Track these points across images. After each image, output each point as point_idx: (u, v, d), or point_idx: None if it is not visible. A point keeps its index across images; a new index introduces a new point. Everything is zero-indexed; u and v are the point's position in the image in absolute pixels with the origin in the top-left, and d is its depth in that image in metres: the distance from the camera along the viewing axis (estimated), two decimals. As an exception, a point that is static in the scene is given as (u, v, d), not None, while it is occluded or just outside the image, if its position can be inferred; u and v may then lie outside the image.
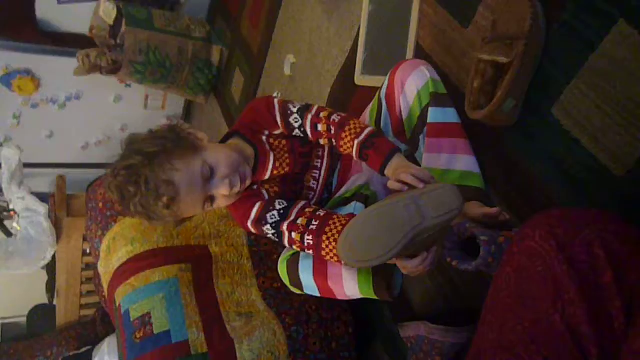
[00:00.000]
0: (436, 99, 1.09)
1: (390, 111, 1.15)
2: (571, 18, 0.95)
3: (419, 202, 0.86)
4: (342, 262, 0.91)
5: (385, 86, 1.16)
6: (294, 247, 1.07)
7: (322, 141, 1.14)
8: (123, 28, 2.49)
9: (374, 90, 1.24)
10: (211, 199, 1.07)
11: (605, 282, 0.55)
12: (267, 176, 1.15)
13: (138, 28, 2.50)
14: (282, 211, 1.09)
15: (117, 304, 1.48)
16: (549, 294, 0.57)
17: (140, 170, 0.99)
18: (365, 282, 1.04)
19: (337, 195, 1.22)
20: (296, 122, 1.14)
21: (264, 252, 1.60)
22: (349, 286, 1.06)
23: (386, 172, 1.02)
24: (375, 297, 1.06)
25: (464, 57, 1.19)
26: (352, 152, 1.08)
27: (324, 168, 1.22)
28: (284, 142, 1.17)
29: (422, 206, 0.86)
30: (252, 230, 1.12)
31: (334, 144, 1.12)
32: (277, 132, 1.17)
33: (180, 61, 2.69)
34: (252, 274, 1.55)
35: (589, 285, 0.56)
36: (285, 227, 1.06)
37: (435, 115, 1.09)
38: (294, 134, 1.16)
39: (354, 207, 1.10)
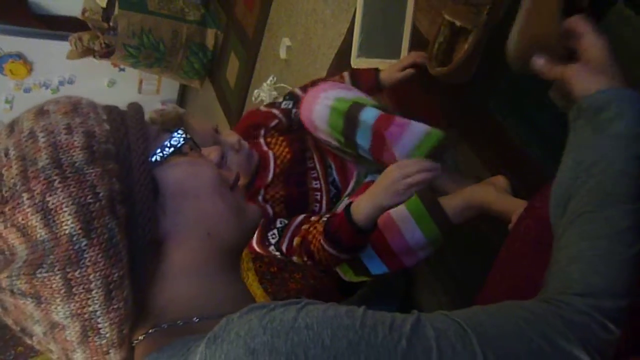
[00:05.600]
0: (352, 111, 1.04)
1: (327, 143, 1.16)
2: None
3: None
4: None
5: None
6: (306, 264, 1.06)
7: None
8: (116, 11, 2.46)
9: (371, 73, 1.25)
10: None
11: None
12: (270, 177, 1.16)
13: (131, 11, 2.47)
14: (281, 230, 1.09)
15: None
16: None
17: None
18: (418, 210, 1.02)
19: (346, 193, 1.23)
20: (287, 105, 1.22)
21: (260, 237, 1.60)
22: (406, 226, 1.02)
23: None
24: (436, 229, 1.02)
25: (461, 39, 1.18)
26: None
27: (317, 164, 1.22)
28: (281, 138, 1.20)
29: None
30: (260, 251, 1.12)
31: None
32: (273, 123, 1.20)
33: (175, 45, 2.66)
34: (248, 257, 1.55)
35: None
36: (284, 249, 1.06)
37: (367, 116, 1.04)
38: (292, 115, 1.22)
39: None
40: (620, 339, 0.50)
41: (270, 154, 1.17)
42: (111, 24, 2.51)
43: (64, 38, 2.56)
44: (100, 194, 0.47)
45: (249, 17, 2.37)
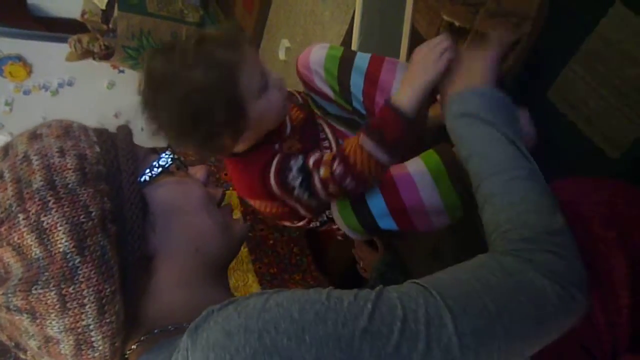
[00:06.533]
0: (347, 54, 1.08)
1: (322, 97, 1.14)
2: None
3: None
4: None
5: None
6: (329, 187, 0.98)
7: None
8: (115, 12, 2.46)
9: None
10: (266, 84, 1.02)
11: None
12: (288, 130, 1.11)
13: (130, 12, 2.47)
14: (304, 154, 1.03)
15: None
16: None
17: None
18: (435, 165, 1.00)
19: None
20: None
21: (260, 237, 1.60)
22: (423, 184, 0.99)
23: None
24: (451, 188, 0.98)
25: (460, 40, 1.18)
26: None
27: (329, 135, 1.19)
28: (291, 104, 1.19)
29: None
30: (275, 188, 1.02)
31: None
32: None
33: (174, 46, 2.67)
34: (248, 259, 1.55)
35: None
36: (312, 162, 0.99)
37: (360, 60, 1.07)
38: None
39: None
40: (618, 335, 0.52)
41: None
42: (110, 25, 2.52)
43: (63, 40, 2.57)
44: (93, 213, 0.50)
45: (248, 18, 2.37)
